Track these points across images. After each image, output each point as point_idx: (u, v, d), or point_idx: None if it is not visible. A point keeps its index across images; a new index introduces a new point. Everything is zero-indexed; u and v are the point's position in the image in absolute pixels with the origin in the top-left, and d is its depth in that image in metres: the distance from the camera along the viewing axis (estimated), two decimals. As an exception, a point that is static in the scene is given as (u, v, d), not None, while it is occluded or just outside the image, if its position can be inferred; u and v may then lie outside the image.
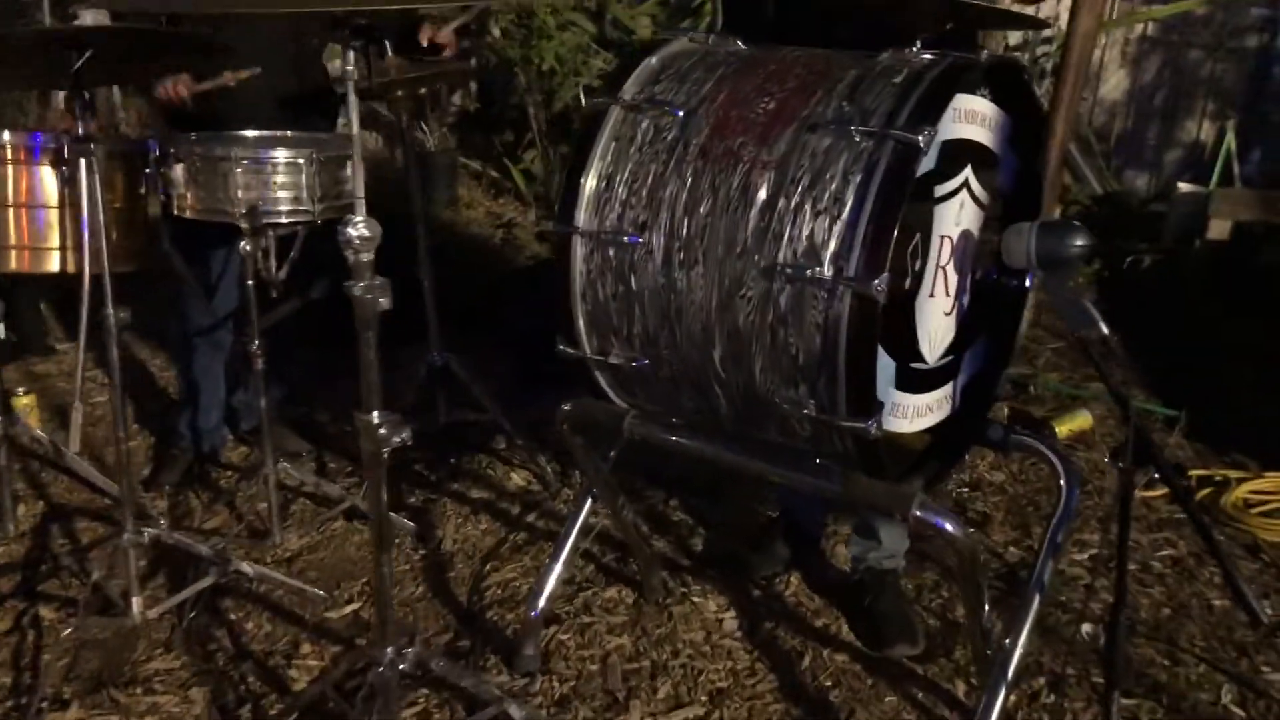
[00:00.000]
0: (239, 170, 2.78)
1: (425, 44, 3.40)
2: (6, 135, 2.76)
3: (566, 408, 2.34)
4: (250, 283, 3.02)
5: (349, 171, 2.98)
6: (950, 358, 2.22)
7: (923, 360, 2.12)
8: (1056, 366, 4.73)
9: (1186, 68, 7.27)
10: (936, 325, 2.14)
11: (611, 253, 2.08)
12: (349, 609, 3.01)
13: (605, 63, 6.89)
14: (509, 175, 7.17)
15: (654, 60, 2.18)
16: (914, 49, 2.00)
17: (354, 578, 3.16)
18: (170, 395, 4.30)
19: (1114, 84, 7.45)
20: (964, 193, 2.10)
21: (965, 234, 2.14)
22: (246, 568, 2.91)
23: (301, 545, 3.32)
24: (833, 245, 1.86)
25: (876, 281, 1.79)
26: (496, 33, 6.73)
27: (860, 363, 1.86)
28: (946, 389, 2.24)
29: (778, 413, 2.00)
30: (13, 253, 2.83)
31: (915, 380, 2.11)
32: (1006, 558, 3.24)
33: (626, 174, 2.07)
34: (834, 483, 2.07)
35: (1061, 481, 2.27)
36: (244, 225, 2.80)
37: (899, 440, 2.14)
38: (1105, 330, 1.99)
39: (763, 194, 1.94)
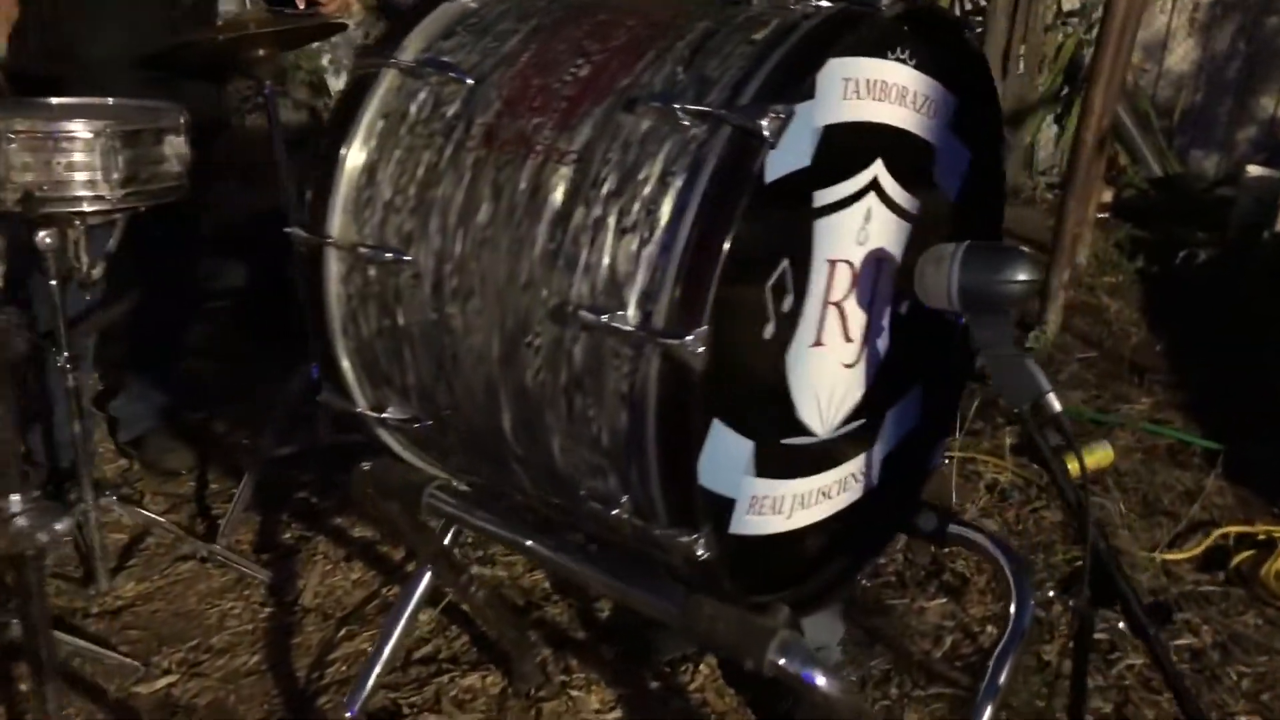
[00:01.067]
0: (13, 146, 2.23)
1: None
2: None
3: (365, 468, 1.76)
4: (53, 282, 2.48)
5: (169, 149, 2.45)
6: (859, 422, 1.60)
7: (807, 433, 1.51)
8: (1081, 383, 4.05)
9: (1263, 35, 6.45)
10: (830, 383, 1.52)
11: (373, 273, 1.49)
12: (162, 682, 2.49)
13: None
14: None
15: (452, 6, 1.58)
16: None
17: (182, 640, 2.63)
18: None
19: (1181, 54, 6.65)
20: (870, 199, 1.48)
21: (876, 256, 1.52)
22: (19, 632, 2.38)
23: (137, 593, 2.80)
24: (640, 280, 1.26)
25: (691, 337, 1.19)
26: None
27: (677, 452, 1.26)
28: (854, 465, 1.63)
29: (587, 509, 1.41)
30: None
31: (794, 461, 1.51)
32: (981, 640, 2.61)
33: (393, 165, 1.48)
34: (674, 606, 1.47)
35: (1012, 592, 1.65)
36: (19, 213, 2.25)
37: (778, 541, 1.54)
38: (1057, 405, 1.37)
39: (556, 200, 1.34)
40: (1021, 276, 1.34)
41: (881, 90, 1.43)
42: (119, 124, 2.32)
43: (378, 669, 2.08)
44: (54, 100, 2.53)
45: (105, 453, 3.49)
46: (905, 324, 1.61)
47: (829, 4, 1.37)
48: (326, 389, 1.60)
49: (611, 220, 1.28)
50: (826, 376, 1.51)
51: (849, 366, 1.55)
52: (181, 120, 2.45)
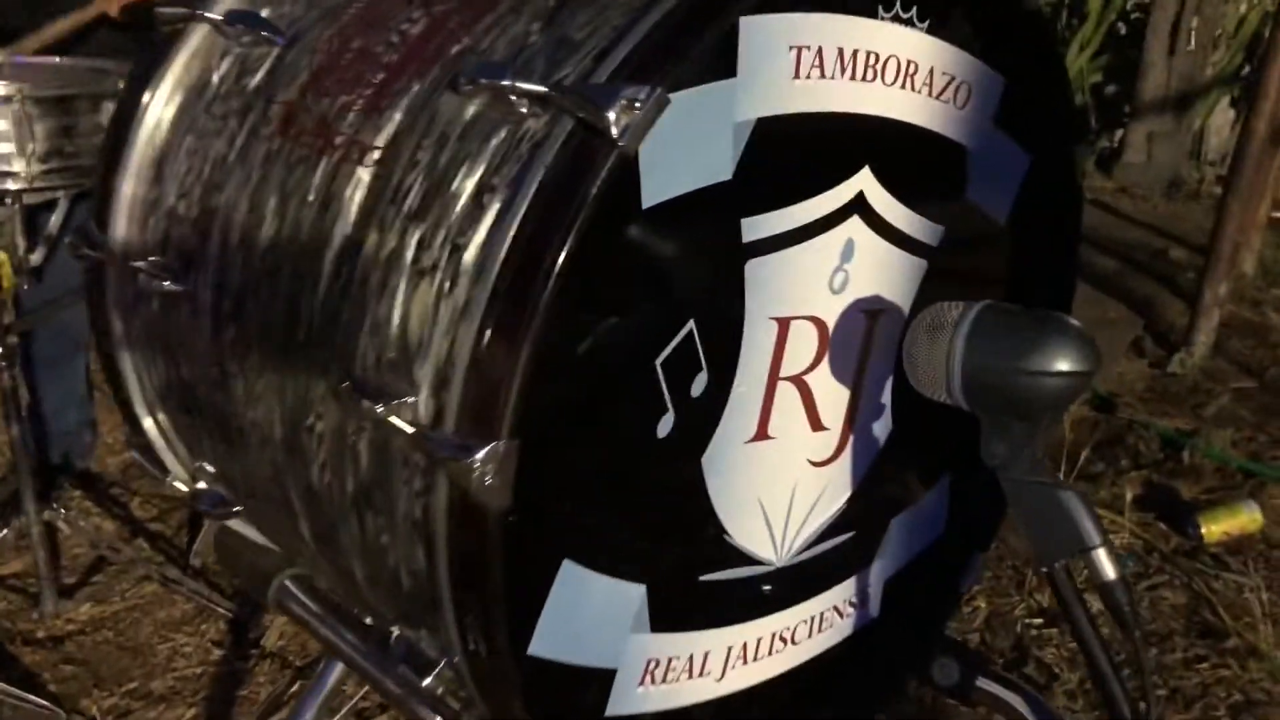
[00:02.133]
0: (-88, 110, 1.91)
1: None
2: None
3: (218, 530, 1.35)
4: (-14, 277, 2.16)
5: (104, 119, 2.09)
6: (842, 537, 1.12)
7: (748, 561, 1.03)
8: (1233, 419, 3.38)
9: None
10: (788, 489, 1.04)
11: (155, 306, 1.08)
12: (84, 734, 2.16)
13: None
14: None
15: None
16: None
17: (120, 680, 2.30)
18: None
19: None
20: (850, 227, 0.99)
21: (865, 308, 1.03)
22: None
23: (89, 617, 2.48)
24: (434, 351, 0.80)
25: (480, 456, 0.73)
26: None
27: (478, 616, 0.81)
28: (836, 595, 1.15)
29: (401, 672, 0.97)
30: None
31: (726, 603, 1.03)
32: (1063, 768, 2.06)
33: (182, 156, 1.06)
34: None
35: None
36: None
37: (704, 713, 1.07)
38: (1110, 569, 0.86)
39: (350, 217, 0.89)
40: (1061, 366, 0.84)
41: (869, 67, 0.93)
42: (36, 87, 1.96)
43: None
44: (-3, 58, 2.20)
45: (115, 443, 3.21)
46: (918, 395, 1.10)
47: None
48: (133, 444, 1.20)
49: (409, 255, 0.83)
50: (780, 481, 1.03)
51: (820, 464, 1.06)
52: (123, 85, 2.08)
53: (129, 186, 1.09)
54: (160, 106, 1.09)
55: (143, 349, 1.11)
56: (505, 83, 0.80)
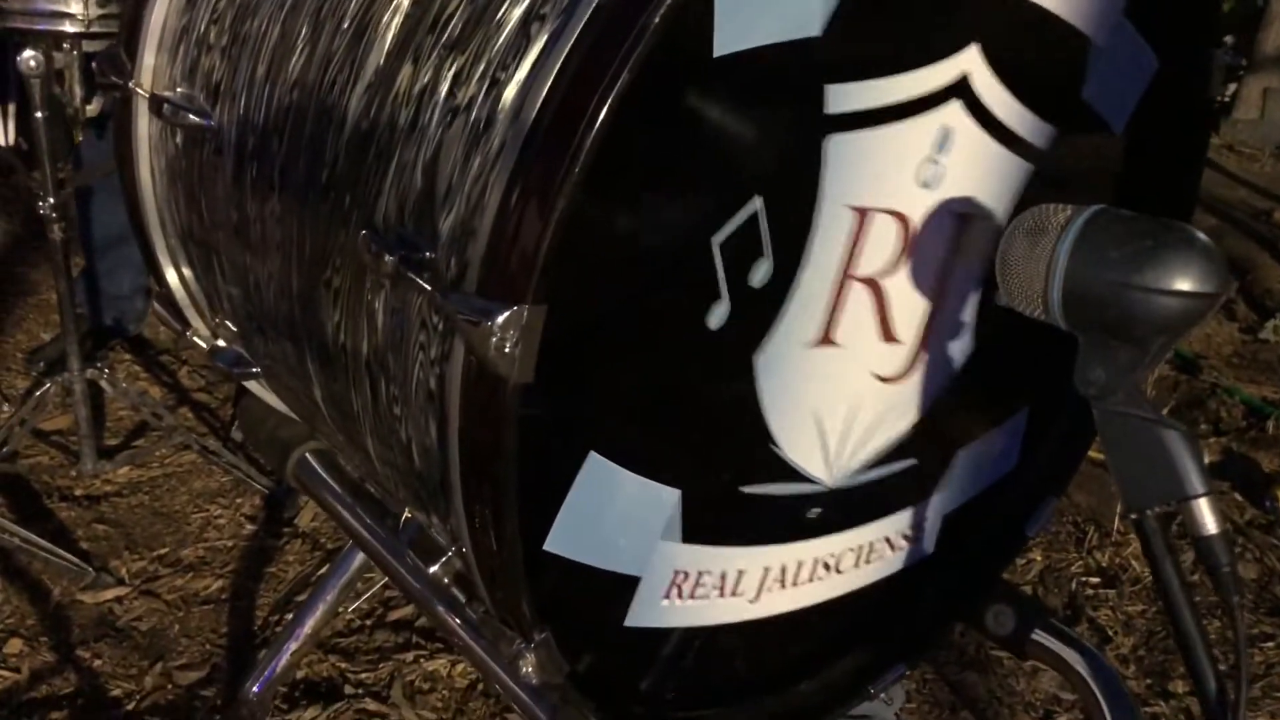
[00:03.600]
0: (-26, -58, 1.84)
1: None
2: None
3: (244, 397, 1.29)
4: (40, 114, 2.10)
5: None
6: (903, 464, 1.01)
7: (797, 477, 0.93)
8: (1323, 380, 3.20)
9: None
10: (849, 403, 0.94)
11: (179, 142, 0.99)
12: (110, 594, 2.15)
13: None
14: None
15: None
16: None
17: (150, 545, 2.29)
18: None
19: None
20: (949, 111, 0.87)
21: (956, 209, 0.91)
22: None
23: (126, 480, 2.47)
24: (460, 201, 0.71)
25: (502, 319, 0.63)
26: None
27: (488, 504, 0.72)
28: (888, 526, 1.05)
29: (410, 560, 0.89)
30: None
31: (768, 519, 0.94)
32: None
33: (218, -21, 0.96)
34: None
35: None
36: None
37: (731, 636, 0.98)
38: (1211, 523, 0.75)
39: (384, 46, 0.79)
40: (1182, 284, 0.72)
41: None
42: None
43: (292, 646, 1.65)
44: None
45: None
46: (1005, 316, 0.99)
47: None
48: (156, 295, 1.13)
49: (443, 89, 0.73)
50: (840, 392, 0.93)
51: (887, 381, 0.95)
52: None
53: (160, 10, 0.99)
54: (198, -75, 0.99)
55: (166, 191, 1.03)
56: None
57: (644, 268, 0.74)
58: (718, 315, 0.80)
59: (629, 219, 0.69)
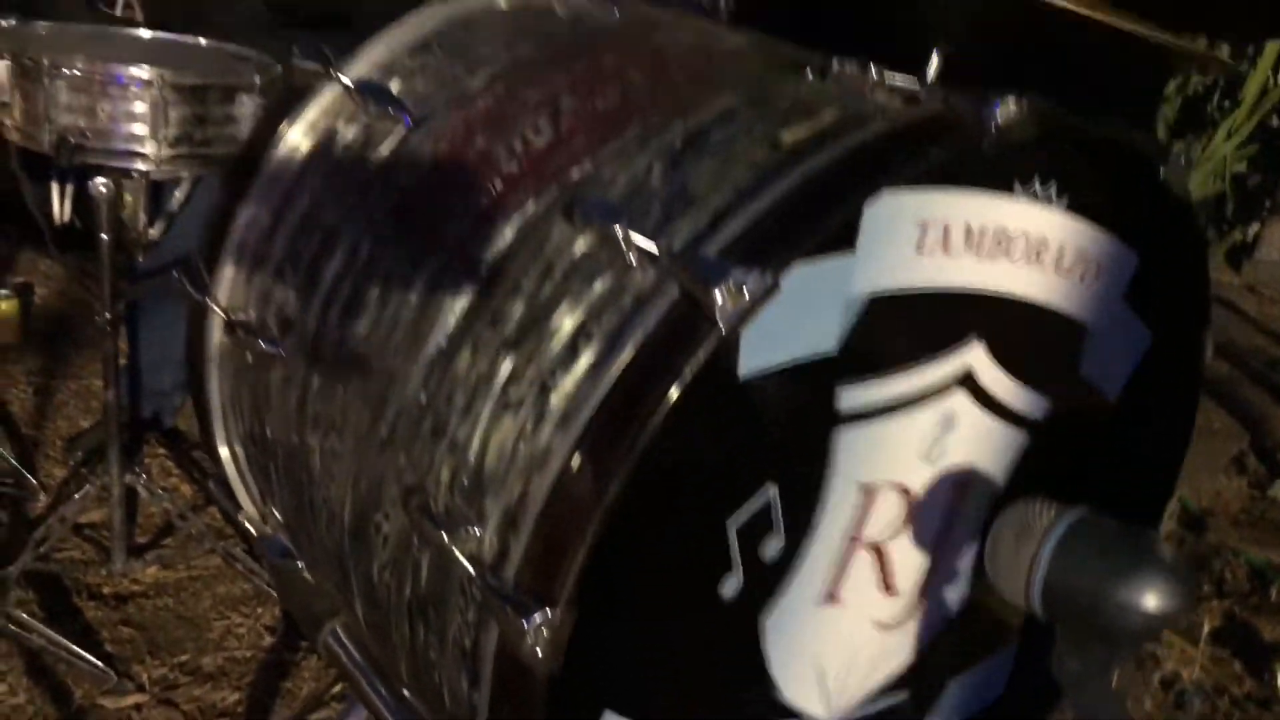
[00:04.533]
0: (59, 82, 1.96)
1: None
2: None
3: (274, 563, 1.36)
4: (105, 236, 2.22)
5: (240, 110, 2.12)
6: (896, 697, 1.09)
7: (793, 716, 1.01)
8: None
9: None
10: (849, 650, 1.01)
11: (248, 358, 1.09)
12: (130, 700, 2.21)
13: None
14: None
15: (440, 12, 1.14)
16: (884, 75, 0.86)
17: (173, 651, 2.35)
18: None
19: None
20: (954, 399, 0.95)
21: (958, 478, 0.99)
22: (-1, 616, 2.16)
23: (153, 580, 2.54)
24: (506, 493, 0.79)
25: (536, 620, 0.72)
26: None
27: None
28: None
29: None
30: None
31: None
32: None
33: (298, 215, 1.07)
34: None
35: None
36: (54, 158, 1.98)
37: None
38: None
39: (447, 326, 0.89)
40: (1148, 605, 0.79)
41: (996, 243, 0.90)
42: (177, 74, 2.00)
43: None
44: (138, 31, 2.26)
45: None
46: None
47: (919, 92, 0.85)
48: (210, 474, 1.22)
49: (499, 382, 0.82)
50: (842, 642, 1.00)
51: (886, 628, 1.03)
52: (258, 79, 2.11)
53: (241, 232, 1.09)
54: (285, 155, 1.10)
55: (232, 392, 1.12)
56: (618, 229, 0.78)
57: (665, 552, 0.82)
58: (730, 587, 0.88)
59: (655, 517, 0.77)
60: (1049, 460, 1.06)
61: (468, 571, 0.78)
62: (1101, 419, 1.10)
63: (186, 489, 2.89)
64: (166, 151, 2.05)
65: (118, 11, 2.64)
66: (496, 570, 0.77)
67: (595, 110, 0.92)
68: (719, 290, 0.70)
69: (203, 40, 2.32)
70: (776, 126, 0.84)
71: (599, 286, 0.80)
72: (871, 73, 0.86)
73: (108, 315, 2.31)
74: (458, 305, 0.88)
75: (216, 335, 1.12)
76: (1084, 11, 0.81)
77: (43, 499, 2.79)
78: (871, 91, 0.86)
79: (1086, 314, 1.01)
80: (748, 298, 0.69)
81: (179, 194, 2.24)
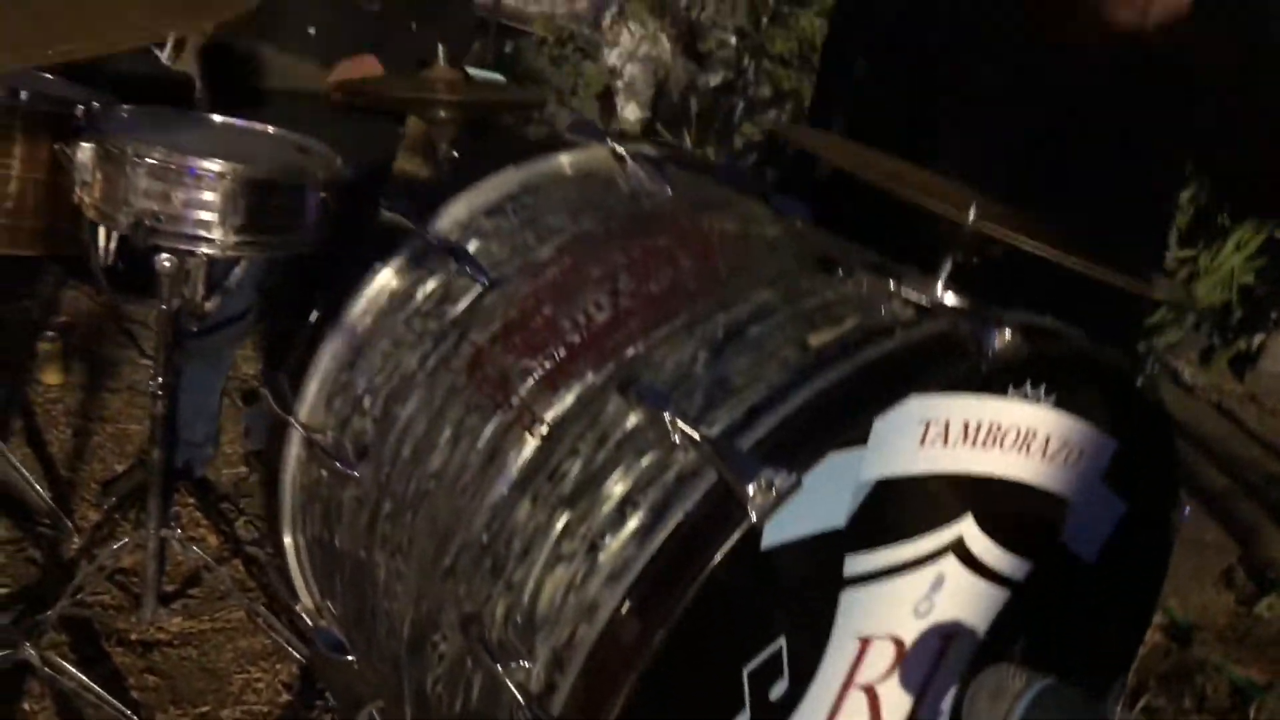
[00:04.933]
0: (139, 170, 2.11)
1: None
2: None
3: (316, 643, 1.49)
4: (164, 307, 2.37)
5: (305, 202, 2.28)
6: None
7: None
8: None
9: None
10: (839, 776, 1.14)
11: (323, 475, 1.23)
12: (155, 746, 2.33)
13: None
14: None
15: (525, 173, 1.29)
16: (926, 284, 1.01)
17: (194, 702, 2.47)
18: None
19: None
20: (945, 563, 1.09)
21: (943, 631, 1.13)
22: (34, 658, 2.28)
23: (178, 630, 2.67)
24: (555, 635, 0.93)
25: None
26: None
27: None
28: None
29: None
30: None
31: None
32: None
33: (378, 355, 1.21)
34: None
35: None
36: (129, 236, 2.13)
37: None
38: None
39: (510, 476, 1.03)
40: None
41: (990, 436, 1.04)
42: (250, 169, 2.16)
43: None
44: (215, 116, 2.42)
45: (233, 454, 3.42)
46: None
47: (931, 304, 1.00)
48: (272, 568, 1.35)
49: (554, 534, 0.96)
50: (834, 769, 1.13)
51: (871, 759, 1.16)
52: (324, 176, 2.27)
53: (327, 361, 1.24)
54: (369, 297, 1.24)
55: (304, 501, 1.26)
56: (667, 414, 0.93)
57: (688, 691, 0.95)
58: (740, 721, 1.01)
59: (685, 665, 0.90)
60: (1028, 613, 1.19)
61: (516, 699, 0.91)
62: (1078, 578, 1.23)
63: (213, 539, 3.02)
64: (232, 238, 2.20)
65: (166, 57, 2.81)
66: (543, 703, 0.90)
67: (649, 293, 1.07)
68: (752, 485, 0.84)
69: (270, 128, 2.49)
70: (805, 329, 0.98)
71: (646, 461, 0.94)
72: (890, 284, 1.01)
73: (160, 380, 2.46)
74: (521, 458, 1.02)
75: (295, 448, 1.26)
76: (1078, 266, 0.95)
77: (76, 541, 2.92)
78: (889, 301, 1.00)
79: (1068, 491, 1.15)
80: (776, 494, 0.83)
81: (238, 271, 2.39)
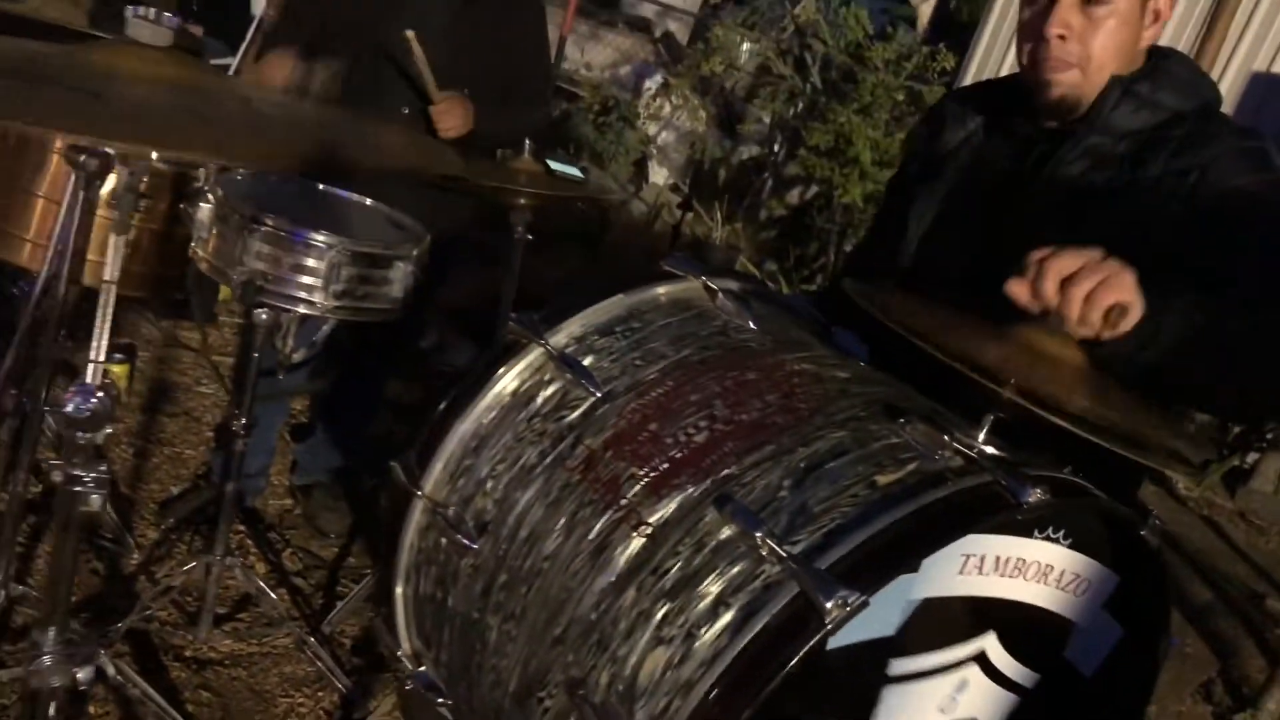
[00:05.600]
0: (255, 235, 2.35)
1: None
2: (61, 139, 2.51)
3: (408, 686, 1.71)
4: (255, 355, 2.60)
5: (395, 274, 2.52)
6: None
7: None
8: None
9: None
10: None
11: (443, 542, 1.44)
12: (205, 759, 2.53)
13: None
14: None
15: (632, 299, 1.52)
16: (972, 434, 1.23)
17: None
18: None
19: None
20: (969, 670, 1.30)
21: (961, 726, 1.34)
22: (110, 667, 2.48)
23: (229, 651, 2.87)
24: (652, 704, 1.14)
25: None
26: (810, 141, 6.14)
27: None
28: None
29: None
30: (26, 246, 2.57)
31: None
32: None
33: (499, 447, 1.44)
34: None
35: None
36: (236, 294, 2.37)
37: None
38: None
39: (617, 566, 1.25)
40: None
41: (1015, 568, 1.26)
42: (354, 243, 2.40)
43: None
44: (319, 185, 2.66)
45: (278, 486, 3.63)
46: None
47: (979, 455, 1.22)
48: (380, 615, 1.56)
49: (655, 620, 1.18)
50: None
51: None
52: (415, 251, 2.51)
53: (452, 446, 1.46)
54: (495, 395, 1.47)
55: (419, 564, 1.48)
56: (759, 533, 1.14)
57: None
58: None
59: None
60: (1032, 717, 1.40)
61: (616, 759, 1.13)
62: (1077, 689, 1.44)
63: (261, 566, 3.22)
64: (331, 302, 2.43)
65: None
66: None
67: (741, 421, 1.29)
68: (830, 601, 1.05)
69: (368, 200, 2.73)
70: (874, 469, 1.20)
71: (737, 569, 1.16)
72: (943, 435, 1.23)
73: (243, 421, 2.68)
74: (628, 552, 1.24)
75: (417, 515, 1.48)
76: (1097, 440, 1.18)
77: (136, 557, 3.13)
78: (943, 448, 1.22)
79: (1075, 615, 1.37)
80: (848, 609, 1.05)
81: (326, 329, 2.62)
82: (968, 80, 6.26)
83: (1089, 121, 1.66)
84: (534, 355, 1.47)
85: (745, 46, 7.11)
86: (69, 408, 1.31)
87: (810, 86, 6.80)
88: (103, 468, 1.37)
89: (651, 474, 1.28)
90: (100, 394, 1.33)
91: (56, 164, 2.56)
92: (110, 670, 2.50)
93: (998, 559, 1.23)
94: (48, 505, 3.05)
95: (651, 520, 1.24)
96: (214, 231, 2.47)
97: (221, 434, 3.35)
